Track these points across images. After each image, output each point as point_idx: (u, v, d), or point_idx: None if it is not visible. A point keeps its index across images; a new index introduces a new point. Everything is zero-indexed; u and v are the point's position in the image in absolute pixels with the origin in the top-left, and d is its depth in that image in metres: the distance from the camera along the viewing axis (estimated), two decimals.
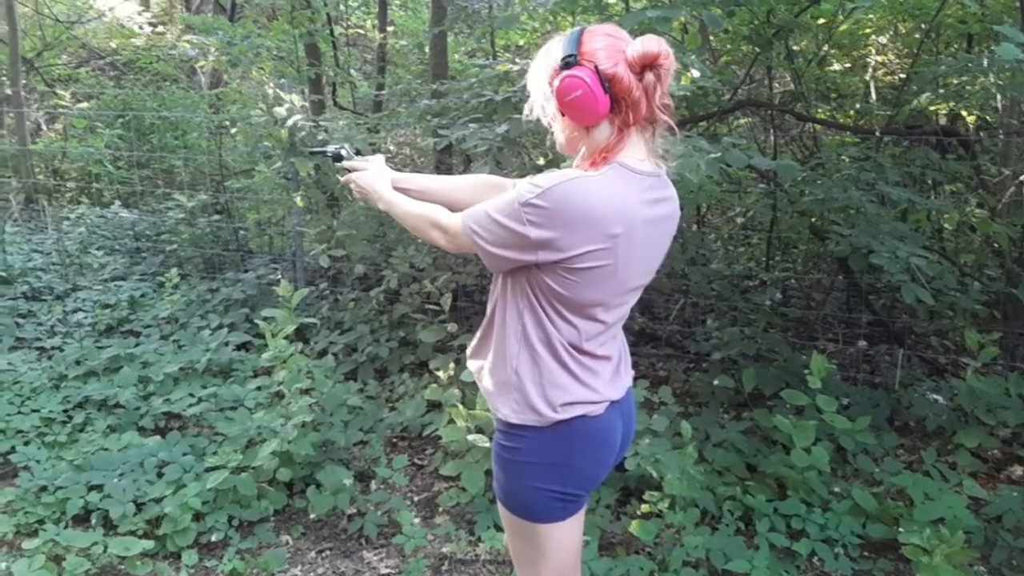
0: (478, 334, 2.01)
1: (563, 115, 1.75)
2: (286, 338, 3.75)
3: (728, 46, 5.53)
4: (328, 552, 3.35)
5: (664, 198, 1.84)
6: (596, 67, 1.67)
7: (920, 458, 3.66)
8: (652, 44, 1.67)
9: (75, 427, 4.07)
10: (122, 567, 3.12)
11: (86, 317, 5.57)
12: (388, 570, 3.21)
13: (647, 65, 1.67)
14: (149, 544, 3.14)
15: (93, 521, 3.33)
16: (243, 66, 6.63)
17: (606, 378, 1.90)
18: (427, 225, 1.94)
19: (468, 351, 2.04)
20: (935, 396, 4.12)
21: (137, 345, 5.00)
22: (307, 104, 5.49)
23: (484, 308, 1.96)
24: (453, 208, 1.91)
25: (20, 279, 6.33)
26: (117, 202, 8.54)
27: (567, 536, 1.96)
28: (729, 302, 5.17)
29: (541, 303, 1.79)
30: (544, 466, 1.86)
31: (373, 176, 2.19)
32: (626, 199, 1.71)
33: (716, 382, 4.18)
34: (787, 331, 4.93)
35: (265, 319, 3.84)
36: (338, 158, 2.28)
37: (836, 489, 3.38)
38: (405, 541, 3.26)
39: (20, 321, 5.57)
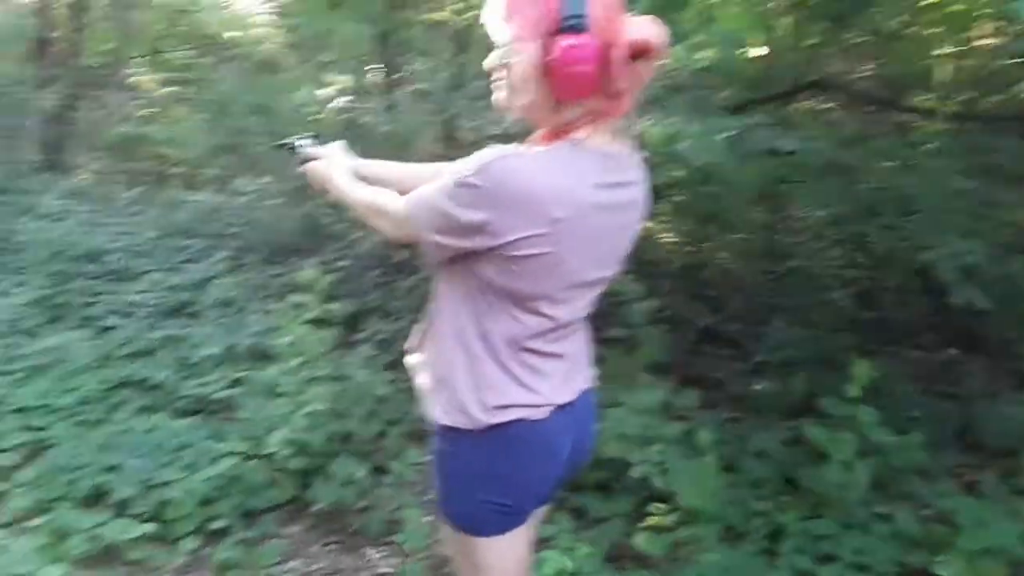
0: (419, 327, 1.84)
1: (546, 78, 1.51)
2: (312, 323, 3.68)
3: (803, 21, 5.12)
4: (333, 546, 3.25)
5: (626, 182, 1.62)
6: (603, 40, 1.44)
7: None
8: (656, 32, 1.46)
9: (109, 407, 4.09)
10: (123, 549, 3.09)
11: (150, 298, 5.65)
12: (388, 569, 3.09)
13: (642, 53, 1.46)
14: (152, 528, 3.10)
15: (104, 502, 3.31)
16: (305, 51, 6.61)
17: (555, 379, 1.70)
18: (373, 213, 1.78)
19: (407, 344, 1.88)
20: (1015, 410, 3.70)
21: (189, 327, 5.04)
22: (365, 85, 5.40)
23: None
24: None
25: (103, 259, 6.50)
26: (208, 187, 8.74)
27: (508, 552, 1.78)
28: (798, 301, 4.82)
29: (481, 295, 1.60)
30: (478, 474, 1.69)
31: (326, 165, 2.02)
32: (573, 180, 1.50)
33: (759, 388, 3.88)
34: (859, 335, 4.55)
35: (296, 306, 3.79)
36: (292, 149, 2.13)
37: (879, 510, 3.05)
38: (408, 540, 3.12)
39: (91, 300, 5.70)
